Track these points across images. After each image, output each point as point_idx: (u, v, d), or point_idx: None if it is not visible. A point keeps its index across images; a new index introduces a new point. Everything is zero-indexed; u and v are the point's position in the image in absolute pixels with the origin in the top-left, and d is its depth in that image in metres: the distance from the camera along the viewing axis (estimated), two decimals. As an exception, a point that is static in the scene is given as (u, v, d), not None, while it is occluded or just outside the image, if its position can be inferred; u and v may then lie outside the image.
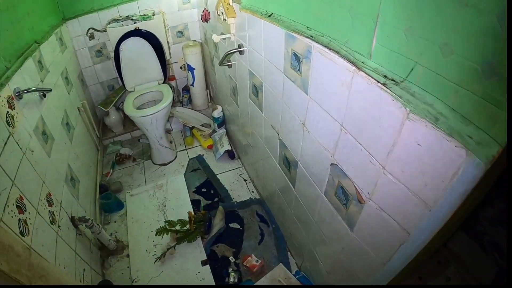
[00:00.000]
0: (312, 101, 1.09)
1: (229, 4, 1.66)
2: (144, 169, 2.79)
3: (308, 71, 1.06)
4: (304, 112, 1.17)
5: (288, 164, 1.50)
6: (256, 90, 1.66)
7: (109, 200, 2.39)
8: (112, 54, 2.79)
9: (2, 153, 1.28)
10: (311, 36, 0.99)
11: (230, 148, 2.64)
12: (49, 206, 1.59)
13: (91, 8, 2.67)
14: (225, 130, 2.78)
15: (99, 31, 2.72)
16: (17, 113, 1.46)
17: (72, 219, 1.82)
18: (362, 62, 0.80)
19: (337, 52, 0.88)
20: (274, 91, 1.42)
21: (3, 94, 1.37)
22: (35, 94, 1.72)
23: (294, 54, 1.12)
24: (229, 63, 1.95)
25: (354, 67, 0.82)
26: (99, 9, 2.68)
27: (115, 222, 2.36)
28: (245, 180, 2.53)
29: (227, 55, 1.75)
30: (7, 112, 1.38)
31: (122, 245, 2.19)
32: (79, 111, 2.51)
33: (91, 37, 2.73)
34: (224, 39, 1.86)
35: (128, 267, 2.03)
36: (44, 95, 1.82)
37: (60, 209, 1.72)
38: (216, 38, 1.73)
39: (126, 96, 2.75)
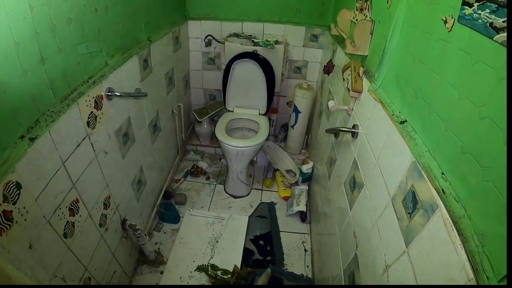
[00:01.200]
0: (408, 259, 0.84)
1: (359, 75, 1.40)
2: (213, 193, 2.68)
3: (420, 228, 0.81)
4: (393, 258, 0.93)
5: (353, 283, 1.25)
6: (353, 185, 1.40)
7: (169, 211, 2.32)
8: (223, 67, 2.74)
9: (72, 155, 1.23)
10: (442, 190, 0.74)
11: (304, 210, 2.40)
12: (104, 209, 1.54)
13: (216, 15, 2.63)
14: (307, 188, 2.55)
15: (217, 41, 2.67)
16: (102, 113, 1.40)
17: (123, 222, 1.77)
18: (488, 279, 0.56)
19: (465, 241, 0.64)
20: (372, 204, 1.17)
21: (92, 93, 1.31)
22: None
23: (413, 193, 0.87)
24: (337, 134, 1.72)
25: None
26: (223, 18, 2.63)
27: (164, 233, 2.30)
28: (305, 250, 2.27)
29: (338, 130, 1.52)
30: (91, 112, 1.32)
31: (161, 260, 2.11)
32: (172, 112, 2.49)
33: (208, 43, 2.70)
34: (339, 109, 1.62)
35: (157, 283, 1.96)
36: (139, 96, 1.77)
37: (115, 212, 1.66)
38: (332, 106, 1.52)
39: (223, 114, 2.69)
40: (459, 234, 0.65)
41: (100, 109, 1.38)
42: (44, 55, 1.05)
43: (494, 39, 0.62)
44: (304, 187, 2.54)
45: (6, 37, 0.89)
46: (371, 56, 1.42)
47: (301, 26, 2.59)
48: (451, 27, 0.79)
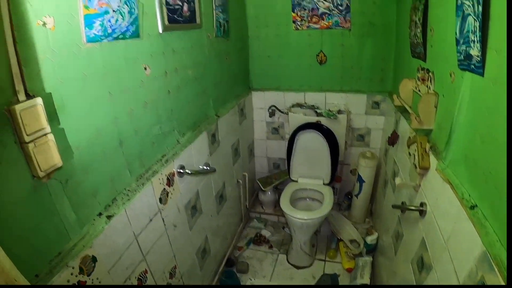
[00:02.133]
0: None
1: (425, 151, 1.35)
2: (276, 263, 2.62)
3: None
4: None
5: None
6: (421, 266, 1.31)
7: (230, 279, 2.31)
8: (287, 137, 2.79)
9: (145, 229, 1.30)
10: None
11: (368, 283, 2.25)
12: (169, 278, 1.58)
13: (279, 86, 2.76)
14: (371, 259, 2.41)
15: (281, 111, 2.78)
16: (173, 189, 1.49)
17: (186, 290, 1.78)
18: None
19: None
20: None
21: (164, 172, 1.40)
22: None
23: (483, 284, 0.80)
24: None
25: None
26: (286, 89, 2.75)
27: (225, 301, 2.25)
28: (370, 327, 2.07)
29: (406, 209, 1.46)
30: (163, 189, 1.41)
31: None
32: (237, 182, 2.57)
33: (272, 114, 2.80)
34: (407, 185, 1.58)
35: None
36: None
37: (179, 280, 1.69)
38: (400, 184, 1.47)
39: (287, 184, 2.71)
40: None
41: (172, 186, 1.48)
42: (122, 138, 1.16)
43: None
44: (368, 258, 2.41)
45: (88, 124, 1.00)
46: (436, 131, 1.37)
47: (362, 94, 2.62)
48: (521, 111, 0.75)
